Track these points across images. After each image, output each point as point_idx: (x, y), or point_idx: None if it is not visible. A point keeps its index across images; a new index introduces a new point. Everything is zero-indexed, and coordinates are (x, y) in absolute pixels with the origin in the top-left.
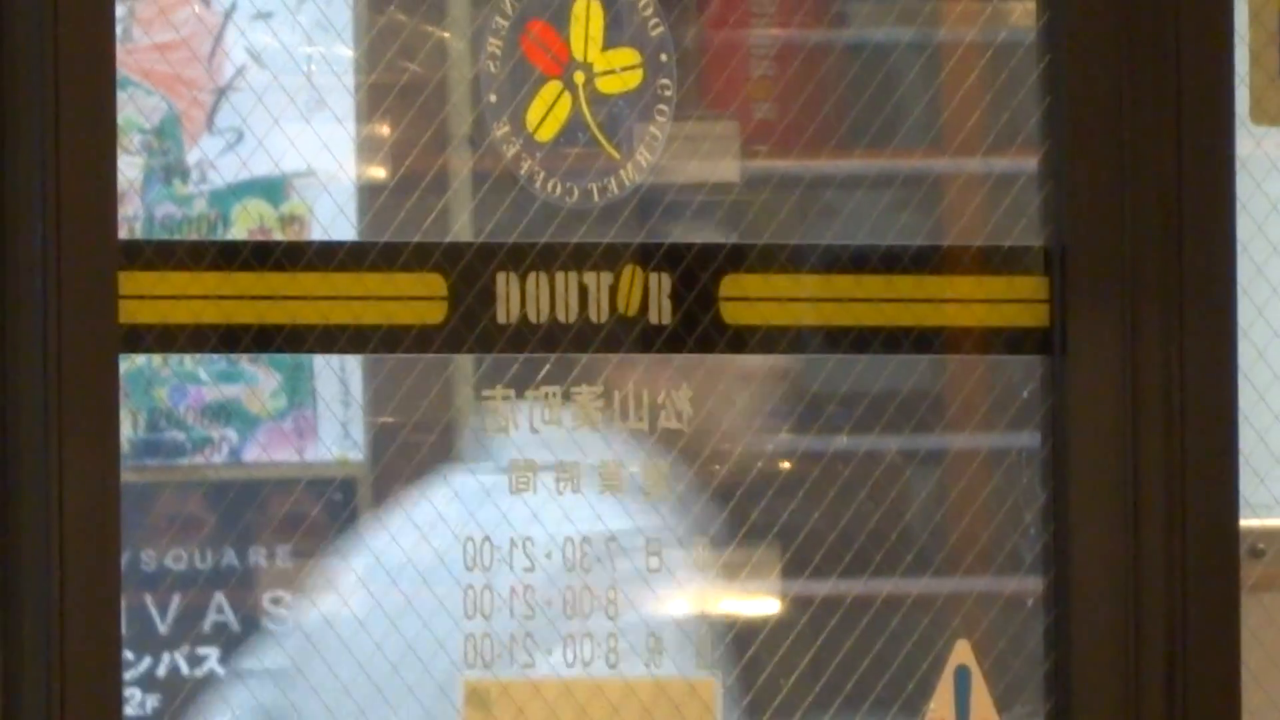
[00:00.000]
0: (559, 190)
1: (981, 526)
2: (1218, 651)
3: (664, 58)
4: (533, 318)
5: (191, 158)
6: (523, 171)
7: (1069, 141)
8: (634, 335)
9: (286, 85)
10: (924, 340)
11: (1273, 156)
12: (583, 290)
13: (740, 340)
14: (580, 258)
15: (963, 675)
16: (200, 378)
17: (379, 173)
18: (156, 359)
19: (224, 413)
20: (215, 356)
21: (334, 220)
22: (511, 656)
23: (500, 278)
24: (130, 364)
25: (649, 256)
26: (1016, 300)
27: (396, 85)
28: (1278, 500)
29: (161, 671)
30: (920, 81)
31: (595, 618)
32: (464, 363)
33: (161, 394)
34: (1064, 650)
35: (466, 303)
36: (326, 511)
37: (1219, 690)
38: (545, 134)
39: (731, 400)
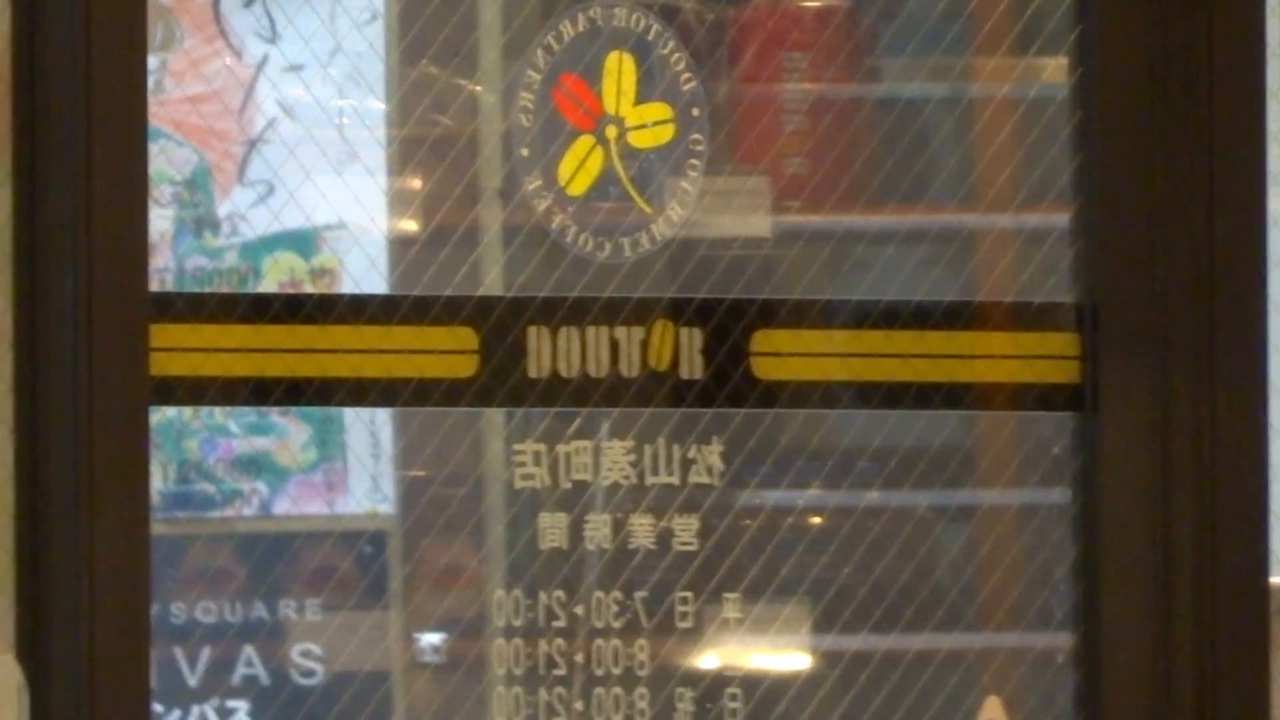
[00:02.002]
0: (590, 244)
1: (1012, 582)
2: (1247, 709)
3: (696, 112)
4: (564, 372)
5: (223, 210)
6: (554, 225)
7: (1101, 198)
8: (665, 390)
9: (318, 138)
10: (955, 396)
11: None
12: (614, 345)
13: (771, 395)
14: (612, 312)
15: None
16: (231, 430)
17: (410, 226)
18: (187, 411)
19: (254, 465)
20: (246, 409)
21: (365, 273)
22: (545, 712)
23: (532, 332)
24: (161, 416)
25: (680, 311)
26: (1048, 356)
27: (428, 139)
28: None
29: None
30: (952, 137)
31: (625, 673)
32: (494, 416)
33: (192, 446)
34: (1094, 707)
35: (498, 357)
36: (357, 564)
37: None
38: (577, 188)
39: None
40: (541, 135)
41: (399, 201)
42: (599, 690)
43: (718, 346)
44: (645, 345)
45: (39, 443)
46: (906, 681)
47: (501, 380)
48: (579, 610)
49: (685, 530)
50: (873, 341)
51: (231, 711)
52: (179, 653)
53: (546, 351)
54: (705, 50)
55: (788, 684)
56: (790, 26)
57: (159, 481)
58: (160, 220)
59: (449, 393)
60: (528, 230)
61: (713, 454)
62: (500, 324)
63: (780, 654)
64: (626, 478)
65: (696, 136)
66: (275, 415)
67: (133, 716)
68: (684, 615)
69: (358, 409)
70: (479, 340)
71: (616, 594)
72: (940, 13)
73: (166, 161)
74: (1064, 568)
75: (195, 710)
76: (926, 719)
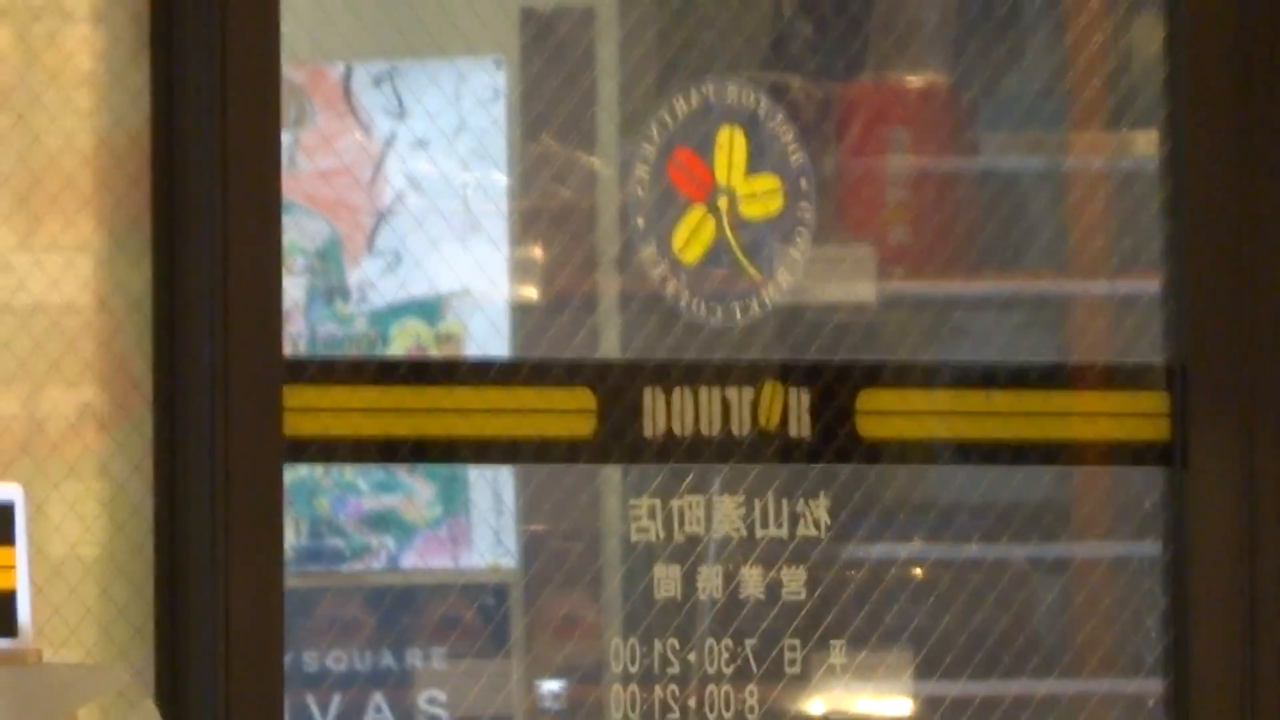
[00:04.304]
0: (703, 309)
1: (1104, 631)
2: None
3: (804, 183)
4: (678, 431)
5: (352, 278)
6: (668, 292)
7: (1190, 264)
8: (774, 447)
9: (443, 210)
10: (1051, 453)
11: None
12: (725, 405)
13: (875, 452)
14: (723, 374)
15: None
16: (360, 488)
17: (531, 293)
18: (319, 470)
19: (382, 521)
20: (374, 467)
21: (488, 338)
22: None
23: (647, 393)
24: (294, 474)
25: (789, 373)
26: (1139, 415)
27: (548, 210)
28: None
29: None
30: (1048, 207)
31: (736, 717)
32: (612, 473)
33: (323, 503)
34: None
35: (615, 417)
36: (480, 615)
37: None
38: (690, 256)
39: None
40: (656, 206)
41: (520, 270)
42: None
43: (825, 406)
44: (755, 405)
45: (178, 499)
46: None
47: (618, 439)
48: (692, 657)
49: (793, 581)
50: (972, 401)
51: None
52: (311, 699)
53: (661, 411)
54: (813, 125)
55: None
56: (894, 103)
57: (292, 537)
58: (293, 289)
59: (568, 451)
60: (643, 297)
61: (820, 508)
62: (617, 386)
63: (884, 699)
64: (737, 531)
65: (804, 206)
66: (402, 473)
67: None
68: (792, 662)
69: (481, 467)
70: (597, 401)
71: (728, 642)
72: (1037, 90)
73: (299, 233)
74: (1154, 617)
75: None
76: None
